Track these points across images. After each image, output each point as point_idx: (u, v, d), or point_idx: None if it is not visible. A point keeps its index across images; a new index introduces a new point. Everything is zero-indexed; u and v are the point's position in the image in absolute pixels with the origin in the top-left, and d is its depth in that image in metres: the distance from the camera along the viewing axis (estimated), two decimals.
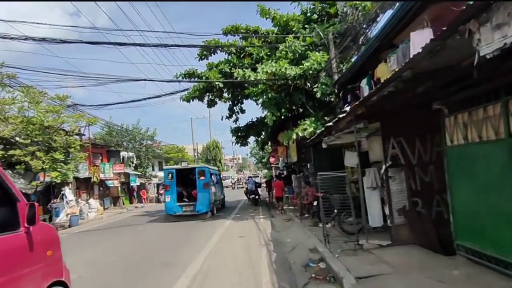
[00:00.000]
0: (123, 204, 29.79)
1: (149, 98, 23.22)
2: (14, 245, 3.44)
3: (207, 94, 20.19)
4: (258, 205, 20.43)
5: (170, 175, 16.59)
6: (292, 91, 14.10)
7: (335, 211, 8.87)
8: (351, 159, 12.09)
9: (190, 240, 10.07)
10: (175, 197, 15.88)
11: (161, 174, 51.46)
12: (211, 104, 21.10)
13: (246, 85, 17.21)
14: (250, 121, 21.96)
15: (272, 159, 36.42)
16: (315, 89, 13.60)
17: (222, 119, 22.78)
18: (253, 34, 18.27)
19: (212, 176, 16.83)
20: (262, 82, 14.55)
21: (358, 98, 11.41)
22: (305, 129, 12.96)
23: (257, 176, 45.73)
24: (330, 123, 8.14)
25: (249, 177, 25.23)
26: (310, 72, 12.72)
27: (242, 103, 21.36)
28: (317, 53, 12.96)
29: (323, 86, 13.31)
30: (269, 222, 12.93)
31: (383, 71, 8.41)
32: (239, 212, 17.37)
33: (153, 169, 51.34)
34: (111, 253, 9.15)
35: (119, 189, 29.57)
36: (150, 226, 14.29)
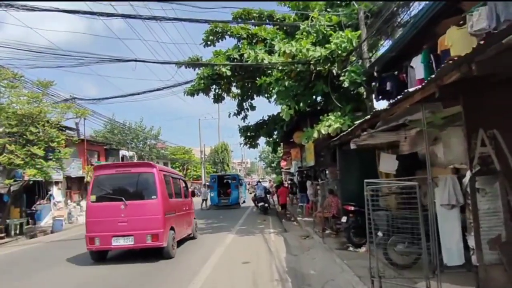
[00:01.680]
0: None
1: (150, 91, 20.82)
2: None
3: (213, 87, 17.87)
4: (267, 214, 17.90)
5: (213, 179, 25.21)
6: (313, 79, 11.61)
7: (379, 233, 6.32)
8: (388, 163, 9.53)
9: (177, 265, 7.59)
10: (216, 193, 23.92)
11: None
12: (218, 99, 18.69)
13: (257, 75, 14.82)
14: (260, 119, 19.50)
15: (283, 163, 33.88)
16: (341, 77, 11.11)
17: (229, 116, 20.49)
18: (267, 20, 15.92)
19: (240, 181, 23.68)
20: (277, 68, 12.10)
21: (403, 85, 8.89)
22: (329, 126, 10.45)
23: (265, 181, 43.10)
24: (380, 110, 5.63)
25: (258, 181, 22.79)
26: (339, 52, 10.22)
27: (252, 98, 18.95)
28: (346, 30, 10.46)
29: (352, 74, 10.81)
30: (282, 239, 10.40)
31: (456, 38, 5.90)
32: (245, 223, 14.87)
33: None
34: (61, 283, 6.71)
35: None
36: (69, 267, 10.99)
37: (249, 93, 18.75)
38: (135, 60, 10.61)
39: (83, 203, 21.97)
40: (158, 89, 21.11)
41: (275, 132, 18.95)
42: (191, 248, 9.65)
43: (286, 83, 11.33)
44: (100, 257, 8.24)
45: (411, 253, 5.94)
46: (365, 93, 12.38)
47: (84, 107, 21.81)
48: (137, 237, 7.75)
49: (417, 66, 7.49)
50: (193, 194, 12.68)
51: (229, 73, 14.17)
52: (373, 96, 10.84)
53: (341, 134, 9.10)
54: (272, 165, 63.62)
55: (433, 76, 3.95)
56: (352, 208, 8.08)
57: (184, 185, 11.05)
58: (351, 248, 7.93)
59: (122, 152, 28.69)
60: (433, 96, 4.12)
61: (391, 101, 5.75)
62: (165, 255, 7.98)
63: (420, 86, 4.39)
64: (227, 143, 66.50)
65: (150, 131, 39.58)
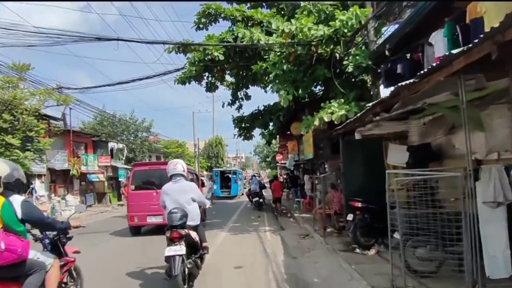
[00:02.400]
0: (110, 201, 26.41)
1: (139, 79, 19.75)
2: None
3: (206, 74, 16.82)
4: (262, 210, 16.94)
5: (216, 173, 28.77)
6: (314, 64, 10.60)
7: (397, 235, 5.36)
8: (398, 155, 8.60)
9: (158, 270, 6.60)
10: (219, 186, 26.81)
11: None
12: (210, 87, 17.65)
13: (253, 62, 13.79)
14: (255, 110, 18.49)
15: (278, 157, 32.87)
16: (345, 62, 10.13)
17: (223, 105, 19.21)
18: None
19: (239, 176, 26.23)
20: (274, 50, 11.09)
21: (417, 65, 7.91)
22: (332, 113, 9.47)
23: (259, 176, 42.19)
24: (407, 83, 4.61)
25: (253, 176, 21.79)
26: (345, 31, 9.21)
27: (247, 88, 17.93)
28: (354, 6, 9.43)
29: (357, 57, 9.83)
30: (279, 238, 9.42)
31: (490, 3, 4.91)
32: (238, 219, 13.89)
33: None
34: None
35: (106, 184, 26.18)
36: (113, 239, 10.48)
37: (244, 82, 17.74)
38: (117, 39, 9.51)
39: (69, 197, 20.88)
40: (147, 77, 20.06)
41: (271, 124, 17.99)
42: None
43: (285, 67, 10.30)
44: (137, 231, 10.85)
45: (434, 259, 5.01)
46: (370, 79, 11.42)
47: (70, 96, 20.79)
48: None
49: (437, 42, 6.50)
50: (203, 184, 14.73)
51: (222, 57, 13.10)
52: (381, 81, 9.88)
53: (347, 122, 8.10)
54: (267, 159, 62.70)
55: (487, 31, 2.97)
56: (360, 204, 7.12)
57: (195, 177, 14.26)
58: (358, 250, 6.98)
59: (111, 145, 27.53)
60: (484, 59, 3.13)
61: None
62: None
63: (461, 49, 3.39)
64: (221, 137, 65.31)
65: (141, 123, 38.33)
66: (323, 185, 9.65)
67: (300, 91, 10.79)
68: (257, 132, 19.40)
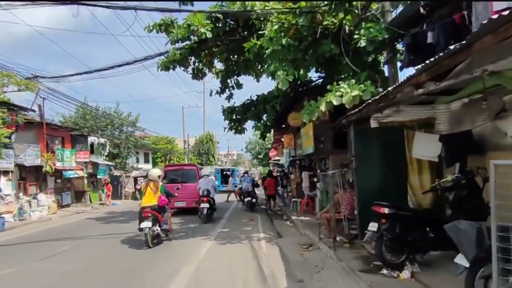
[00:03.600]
0: (90, 200, 24.37)
1: (118, 65, 17.80)
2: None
3: (193, 59, 14.97)
4: (255, 212, 15.16)
5: (217, 171, 32.44)
6: (318, 38, 8.82)
7: (460, 259, 3.59)
8: (427, 146, 6.91)
9: None
10: (219, 182, 29.08)
11: (146, 166, 46.16)
12: (197, 74, 15.80)
13: (246, 39, 12.03)
14: (248, 100, 16.69)
15: (272, 153, 31.04)
16: (356, 36, 8.40)
17: (211, 94, 17.38)
18: None
19: (236, 173, 29.42)
20: (272, 20, 9.26)
21: (457, 30, 6.19)
22: (341, 96, 7.71)
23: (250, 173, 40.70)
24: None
25: (245, 172, 19.98)
26: None
27: (239, 75, 16.11)
28: None
29: (371, 30, 8.11)
30: (277, 250, 7.62)
31: None
32: (228, 223, 12.07)
33: (137, 161, 46.05)
34: None
35: (86, 182, 24.12)
36: (74, 251, 8.32)
37: (235, 69, 15.92)
38: (75, 3, 7.56)
39: (41, 196, 18.84)
40: (127, 63, 18.12)
41: (265, 116, 16.21)
42: (151, 263, 6.83)
43: (283, 41, 8.50)
44: None
45: None
46: (383, 58, 9.70)
47: (40, 82, 18.76)
48: (187, 202, 14.36)
49: None
50: None
51: (209, 35, 11.25)
52: (405, 59, 8.13)
53: (367, 103, 6.35)
54: (259, 156, 60.94)
55: None
56: (387, 210, 5.37)
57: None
58: (385, 271, 5.23)
59: (92, 139, 25.45)
60: None
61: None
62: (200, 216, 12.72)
63: None
64: (212, 134, 63.35)
65: (127, 117, 36.22)
66: (330, 184, 7.87)
67: (301, 72, 9.01)
68: (249, 125, 17.70)
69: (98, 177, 25.81)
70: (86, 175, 23.78)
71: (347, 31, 8.68)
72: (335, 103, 7.51)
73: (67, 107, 45.34)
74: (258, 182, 21.50)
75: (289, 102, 13.00)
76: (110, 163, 28.29)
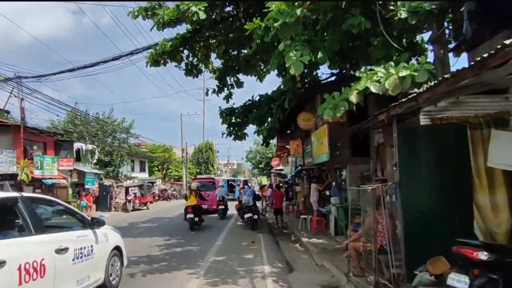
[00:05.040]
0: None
1: (104, 61, 15.84)
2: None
3: (186, 53, 12.96)
4: (257, 230, 12.94)
5: (224, 181, 26.51)
6: (344, 9, 6.73)
7: None
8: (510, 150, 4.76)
9: None
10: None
11: (141, 175, 43.88)
12: (191, 70, 13.76)
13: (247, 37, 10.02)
14: (249, 100, 14.61)
15: (274, 162, 28.77)
16: (392, 7, 6.37)
17: (207, 93, 15.34)
18: None
19: (241, 183, 28.11)
20: None
21: None
22: (378, 81, 5.57)
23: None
24: None
25: (244, 184, 17.87)
26: None
27: (239, 72, 14.04)
28: None
29: None
30: None
31: None
32: (224, 247, 9.81)
33: (132, 170, 43.90)
34: None
35: (70, 192, 21.92)
36: None
37: (234, 65, 13.86)
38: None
39: None
40: (114, 58, 16.15)
41: (270, 119, 14.07)
42: None
43: (298, 11, 6.39)
44: None
45: None
46: (431, 34, 7.57)
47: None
48: (208, 205, 18.00)
49: None
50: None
51: (202, 15, 9.25)
52: (464, 32, 6.03)
53: (427, 88, 4.21)
54: (260, 165, 58.70)
55: None
56: (484, 255, 3.18)
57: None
58: None
59: (77, 145, 23.30)
60: None
61: None
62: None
63: None
64: (211, 142, 61.31)
65: (121, 123, 34.15)
66: (368, 202, 5.66)
67: (320, 55, 6.90)
68: (251, 130, 15.63)
69: (86, 187, 23.65)
70: (70, 184, 21.61)
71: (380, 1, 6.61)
72: (373, 89, 5.38)
73: (57, 112, 43.27)
74: (260, 194, 19.36)
75: (299, 100, 10.87)
76: (98, 171, 26.09)
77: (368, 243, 5.65)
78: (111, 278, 5.50)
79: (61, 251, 4.21)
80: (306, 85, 11.10)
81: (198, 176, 31.98)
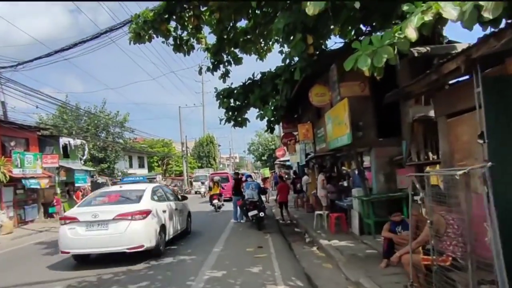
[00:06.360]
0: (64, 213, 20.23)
1: (81, 42, 13.84)
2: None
3: (172, 23, 10.88)
4: (264, 229, 11.04)
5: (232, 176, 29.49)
6: None
7: None
8: None
9: None
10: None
11: (140, 171, 41.94)
12: (180, 45, 11.66)
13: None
14: (249, 79, 12.59)
15: (279, 153, 26.92)
16: None
17: (200, 71, 13.36)
18: None
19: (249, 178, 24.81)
20: None
21: None
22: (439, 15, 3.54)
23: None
24: None
25: (248, 176, 15.88)
26: None
27: (236, 46, 11.95)
28: None
29: None
30: None
31: None
32: (225, 253, 7.89)
33: (130, 166, 42.08)
34: None
35: (58, 191, 20.05)
36: None
37: (230, 38, 11.77)
38: None
39: None
40: (92, 37, 14.13)
41: (272, 100, 12.03)
42: None
43: None
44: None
45: None
46: None
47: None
48: (225, 194, 19.51)
49: None
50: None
51: None
52: None
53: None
54: (263, 158, 56.86)
55: None
56: None
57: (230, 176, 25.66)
58: None
59: (64, 140, 21.36)
60: None
61: None
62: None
63: None
64: (212, 136, 59.43)
65: (115, 117, 32.23)
66: (429, 196, 3.69)
67: None
68: (252, 115, 13.60)
69: (77, 185, 21.79)
70: (55, 183, 19.71)
71: None
72: (450, 14, 3.35)
73: (48, 106, 41.28)
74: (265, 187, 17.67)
75: (312, 70, 8.79)
76: (89, 168, 24.21)
77: (441, 256, 3.71)
78: (188, 227, 10.87)
79: (176, 210, 9.56)
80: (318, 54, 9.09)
81: (216, 171, 36.03)
